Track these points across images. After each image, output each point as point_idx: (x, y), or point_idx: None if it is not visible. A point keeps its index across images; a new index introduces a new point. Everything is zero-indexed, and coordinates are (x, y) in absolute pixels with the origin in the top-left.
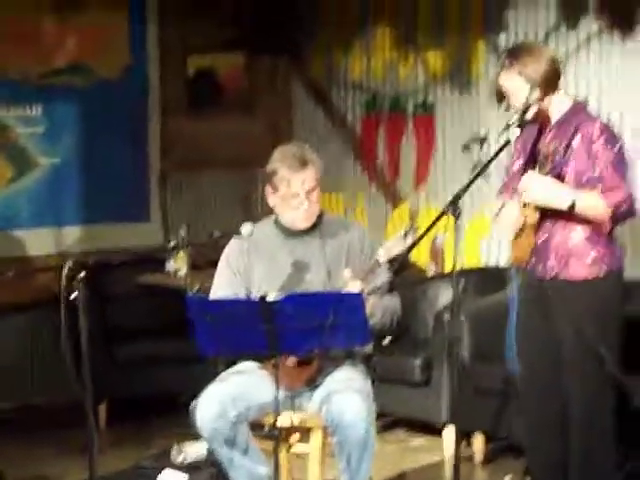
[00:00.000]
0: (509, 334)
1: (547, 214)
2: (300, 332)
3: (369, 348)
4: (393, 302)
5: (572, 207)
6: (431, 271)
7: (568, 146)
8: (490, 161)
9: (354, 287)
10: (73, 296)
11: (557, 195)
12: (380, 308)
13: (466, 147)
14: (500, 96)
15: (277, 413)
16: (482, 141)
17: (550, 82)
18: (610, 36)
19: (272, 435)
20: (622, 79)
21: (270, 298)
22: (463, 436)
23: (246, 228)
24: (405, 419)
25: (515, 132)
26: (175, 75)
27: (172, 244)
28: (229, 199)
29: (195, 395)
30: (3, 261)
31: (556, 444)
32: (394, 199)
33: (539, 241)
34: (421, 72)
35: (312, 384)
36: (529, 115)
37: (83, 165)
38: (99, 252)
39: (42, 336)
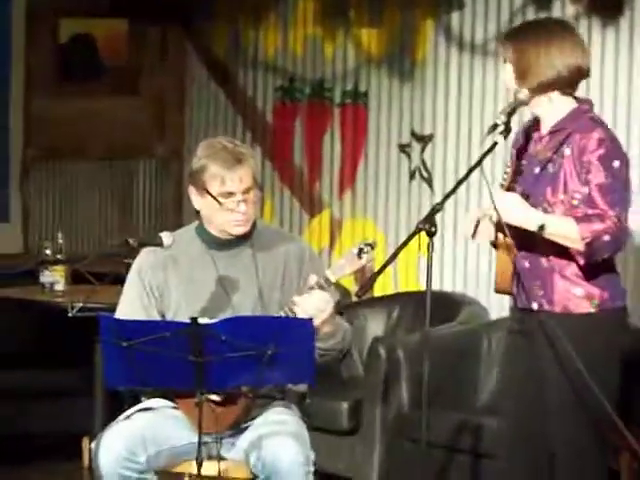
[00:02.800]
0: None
1: (530, 239)
2: (232, 364)
3: (303, 387)
4: (347, 325)
5: (541, 230)
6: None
7: (556, 157)
8: (472, 169)
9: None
10: None
11: (523, 213)
12: (341, 328)
13: (404, 147)
14: None
15: (200, 460)
16: (426, 140)
17: (547, 86)
18: (589, 21)
19: None
20: (602, 71)
21: (203, 320)
22: None
23: (166, 237)
24: (328, 474)
25: (498, 139)
26: (44, 43)
27: (48, 252)
28: (104, 197)
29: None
30: None
31: None
32: (312, 207)
33: (520, 268)
34: (352, 53)
35: (237, 427)
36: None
37: None
38: None
39: None
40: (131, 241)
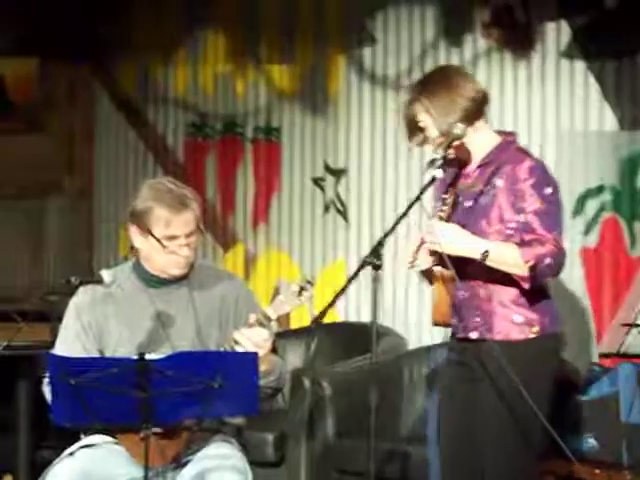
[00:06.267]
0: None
1: (466, 269)
2: (179, 398)
3: (241, 420)
4: (282, 362)
5: (485, 256)
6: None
7: (488, 188)
8: (413, 203)
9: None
10: None
11: (468, 242)
12: (278, 365)
13: (318, 180)
14: (412, 129)
15: None
16: (340, 174)
17: (469, 118)
18: (500, 55)
19: None
20: (515, 105)
21: (149, 356)
22: None
23: (107, 275)
24: None
25: (437, 173)
26: None
27: None
28: (15, 236)
29: None
30: None
31: None
32: (226, 241)
33: (458, 299)
34: (263, 89)
35: (178, 462)
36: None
37: None
38: None
39: None
40: (73, 279)
